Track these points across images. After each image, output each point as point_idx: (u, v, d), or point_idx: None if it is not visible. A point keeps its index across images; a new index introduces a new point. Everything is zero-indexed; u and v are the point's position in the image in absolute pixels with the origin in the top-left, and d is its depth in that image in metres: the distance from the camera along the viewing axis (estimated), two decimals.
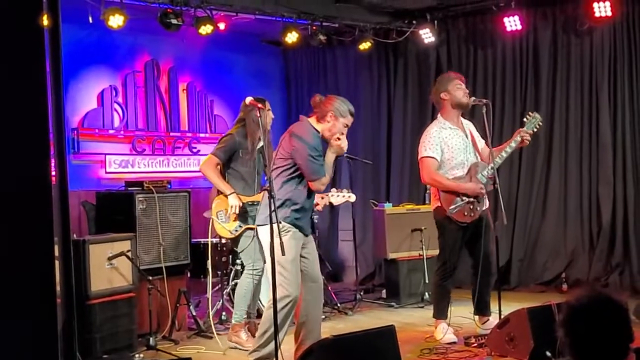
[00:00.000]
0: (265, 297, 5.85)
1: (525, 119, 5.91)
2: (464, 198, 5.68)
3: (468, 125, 6.00)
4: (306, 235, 4.98)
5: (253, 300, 5.91)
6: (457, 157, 5.77)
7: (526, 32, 8.16)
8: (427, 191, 8.13)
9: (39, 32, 1.85)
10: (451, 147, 5.76)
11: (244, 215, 5.80)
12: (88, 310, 5.34)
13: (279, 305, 4.65)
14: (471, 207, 5.69)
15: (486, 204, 5.85)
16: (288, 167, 4.85)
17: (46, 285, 1.86)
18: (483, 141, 6.03)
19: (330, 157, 4.90)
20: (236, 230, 5.80)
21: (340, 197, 6.19)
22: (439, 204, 5.78)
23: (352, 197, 6.29)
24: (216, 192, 5.96)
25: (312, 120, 4.98)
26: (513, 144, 5.80)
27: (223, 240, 6.51)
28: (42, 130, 1.86)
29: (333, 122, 4.88)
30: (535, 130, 5.88)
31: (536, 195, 8.21)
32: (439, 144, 5.75)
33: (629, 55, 7.69)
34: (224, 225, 5.81)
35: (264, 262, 5.71)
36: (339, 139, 4.87)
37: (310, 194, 4.97)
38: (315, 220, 5.84)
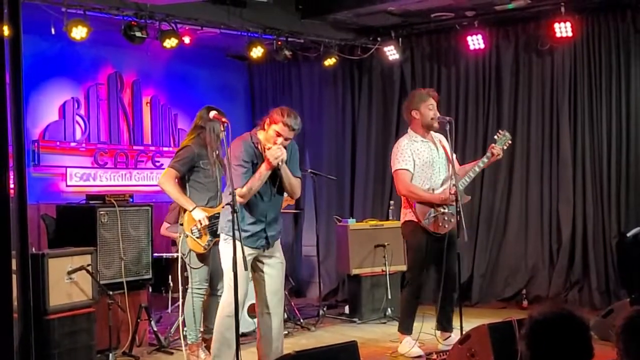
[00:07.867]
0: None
1: (496, 137, 6.01)
2: (438, 209, 5.71)
3: (438, 137, 6.02)
4: (255, 248, 4.84)
5: (209, 315, 5.77)
6: (427, 170, 5.82)
7: (489, 50, 8.27)
8: (391, 207, 8.18)
9: None
10: (421, 160, 5.82)
11: (211, 228, 5.57)
12: (46, 325, 5.24)
13: (218, 312, 4.79)
14: (445, 217, 5.72)
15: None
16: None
17: (2, 300, 1.83)
18: (454, 154, 6.12)
19: (261, 167, 4.71)
20: (208, 245, 5.59)
21: None
22: (412, 217, 5.80)
23: None
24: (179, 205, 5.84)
25: (260, 131, 4.87)
26: (485, 159, 5.87)
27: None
28: (1, 141, 1.83)
29: (267, 129, 4.77)
30: (504, 147, 5.98)
31: (497, 211, 8.29)
32: (410, 155, 5.80)
33: (589, 75, 7.83)
34: (198, 241, 5.57)
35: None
36: (270, 148, 4.69)
37: (261, 206, 4.82)
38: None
